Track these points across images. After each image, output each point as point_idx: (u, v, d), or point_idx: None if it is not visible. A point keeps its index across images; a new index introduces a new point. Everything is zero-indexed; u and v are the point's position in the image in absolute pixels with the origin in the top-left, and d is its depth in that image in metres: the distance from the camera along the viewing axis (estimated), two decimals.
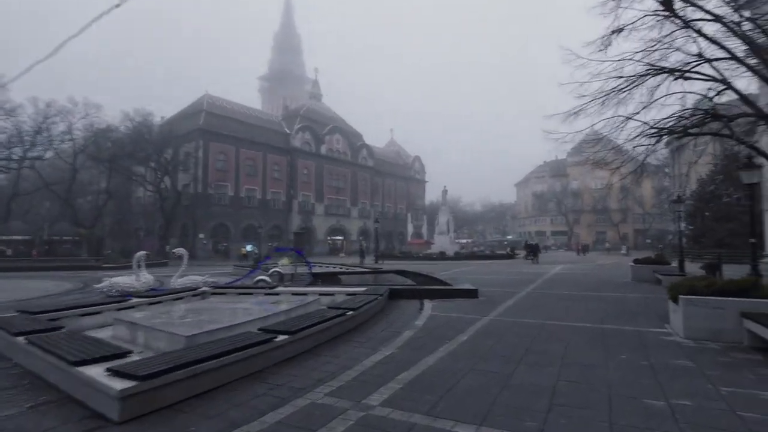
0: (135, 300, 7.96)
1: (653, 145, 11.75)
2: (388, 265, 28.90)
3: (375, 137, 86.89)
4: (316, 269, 15.11)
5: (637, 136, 11.82)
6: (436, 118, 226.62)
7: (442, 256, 34.04)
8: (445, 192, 40.97)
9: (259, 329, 5.15)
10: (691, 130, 11.01)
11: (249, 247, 44.54)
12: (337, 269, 16.43)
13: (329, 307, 6.72)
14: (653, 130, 11.54)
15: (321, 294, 9.40)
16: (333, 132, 59.46)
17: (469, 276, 16.67)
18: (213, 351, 4.19)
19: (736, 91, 10.68)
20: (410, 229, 59.54)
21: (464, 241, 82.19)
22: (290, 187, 53.05)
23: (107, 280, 10.99)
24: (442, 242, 37.56)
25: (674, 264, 14.49)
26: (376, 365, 4.65)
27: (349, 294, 8.84)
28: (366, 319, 7.23)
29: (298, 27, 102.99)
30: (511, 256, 34.49)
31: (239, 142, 47.73)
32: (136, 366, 3.64)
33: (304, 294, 9.41)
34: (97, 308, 7.20)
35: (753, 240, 9.20)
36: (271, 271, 13.95)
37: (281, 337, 4.83)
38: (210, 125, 45.31)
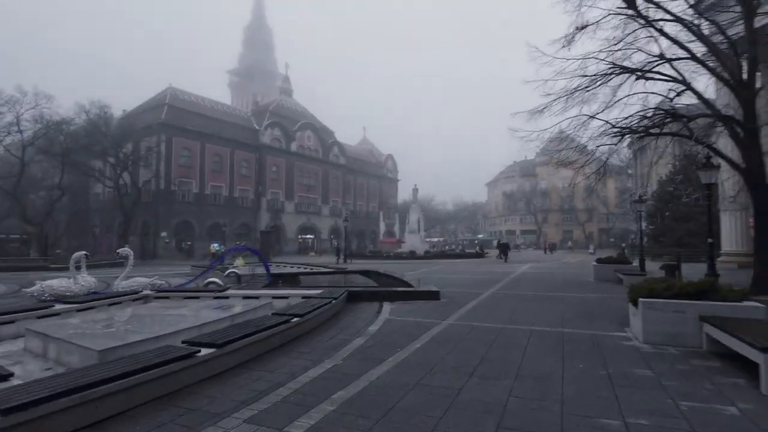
0: (60, 306, 7.16)
1: (615, 144, 11.75)
2: (356, 264, 28.42)
3: (347, 135, 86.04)
4: (278, 270, 14.46)
5: (600, 135, 11.80)
6: (410, 117, 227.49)
7: (412, 255, 33.85)
8: (415, 190, 40.81)
9: (183, 342, 4.57)
10: (651, 131, 11.04)
11: (216, 246, 43.12)
12: (300, 270, 15.82)
13: (273, 314, 6.18)
14: (615, 130, 11.53)
15: (275, 297, 8.84)
16: (304, 128, 58.36)
17: (435, 276, 16.40)
18: (120, 370, 3.61)
19: (695, 92, 10.77)
20: (382, 227, 59.26)
21: (436, 240, 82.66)
22: (259, 184, 51.68)
23: (39, 283, 10.01)
24: (413, 241, 37.37)
25: (635, 263, 14.65)
26: (314, 381, 4.16)
27: (304, 297, 8.31)
28: (316, 325, 6.73)
29: (269, 20, 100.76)
30: (480, 255, 34.66)
31: (205, 138, 46.05)
32: (10, 394, 3.02)
33: (256, 297, 8.83)
34: (11, 316, 6.39)
35: (710, 240, 9.24)
36: (227, 272, 13.22)
37: (206, 351, 4.27)
38: (173, 119, 43.47)
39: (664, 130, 11.06)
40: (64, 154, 34.17)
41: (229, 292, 9.27)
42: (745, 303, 5.19)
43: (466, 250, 42.06)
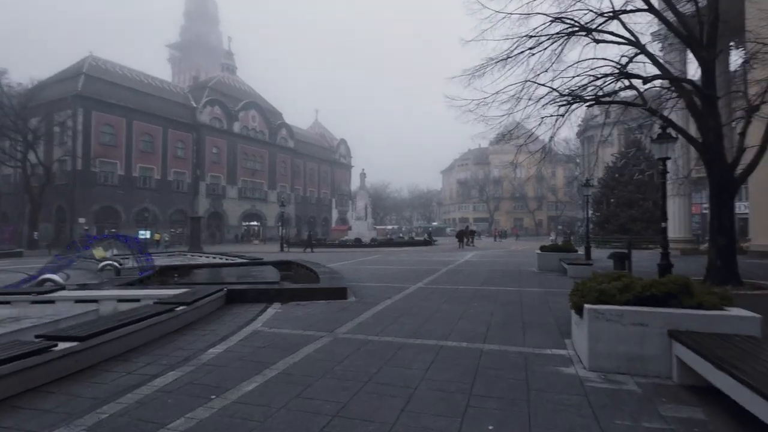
0: None
1: (563, 115, 10.23)
2: (294, 253, 26.15)
3: (299, 119, 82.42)
4: (171, 261, 11.98)
5: (548, 104, 10.26)
6: (366, 103, 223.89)
7: (357, 243, 31.98)
8: (363, 175, 38.75)
9: None
10: (603, 98, 9.59)
11: (162, 233, 39.57)
12: (201, 261, 13.40)
13: (36, 337, 3.94)
14: (563, 98, 10.01)
15: (121, 300, 6.56)
16: (248, 108, 54.42)
17: (366, 267, 14.53)
18: None
19: (649, 55, 9.39)
20: (335, 215, 56.97)
21: (390, 227, 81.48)
22: (197, 167, 47.58)
23: None
24: (360, 228, 35.48)
25: (581, 252, 13.46)
26: None
27: (159, 301, 6.08)
28: (141, 343, 4.58)
29: None
30: (428, 242, 33.31)
31: (132, 113, 41.39)
32: None
33: (94, 301, 6.51)
34: None
35: (665, 224, 7.88)
36: (102, 264, 10.63)
37: None
38: (92, 91, 38.55)
39: (616, 99, 9.62)
40: None
41: (61, 294, 6.84)
42: (729, 311, 3.59)
43: (415, 238, 40.74)
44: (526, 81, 10.33)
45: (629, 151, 27.98)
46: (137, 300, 6.57)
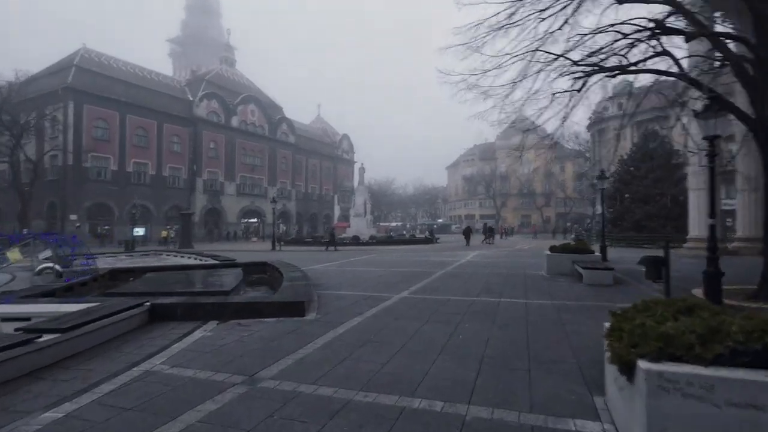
0: None
1: (579, 90, 8.51)
2: (288, 251, 24.66)
3: (301, 114, 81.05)
4: (130, 261, 10.47)
5: (559, 76, 8.55)
6: (370, 98, 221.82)
7: (355, 241, 30.39)
8: (362, 170, 37.12)
9: None
10: (629, 68, 7.85)
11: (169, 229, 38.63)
12: (169, 262, 11.89)
13: None
14: (579, 69, 8.30)
15: (5, 319, 5.04)
16: (246, 102, 52.99)
17: (354, 269, 12.94)
18: None
19: (687, 13, 7.64)
20: (337, 211, 55.70)
21: (394, 224, 79.82)
22: (193, 162, 46.27)
23: None
24: (358, 225, 33.91)
25: (597, 252, 11.72)
26: None
27: (25, 327, 4.53)
28: None
29: None
30: (429, 240, 31.63)
31: (126, 107, 40.14)
32: None
33: None
34: None
35: (713, 220, 6.16)
36: (39, 268, 9.14)
37: None
38: (84, 84, 37.31)
39: (644, 68, 7.87)
40: None
41: None
42: None
43: (417, 235, 39.07)
44: (536, 50, 8.63)
45: (636, 155, 26.10)
46: (27, 319, 5.04)
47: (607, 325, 2.81)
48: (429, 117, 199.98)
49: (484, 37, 8.92)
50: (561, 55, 8.40)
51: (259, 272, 11.17)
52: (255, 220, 54.12)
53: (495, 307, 6.63)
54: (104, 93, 38.44)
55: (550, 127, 10.37)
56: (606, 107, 47.15)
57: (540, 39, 8.78)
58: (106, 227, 39.15)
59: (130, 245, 28.49)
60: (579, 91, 8.55)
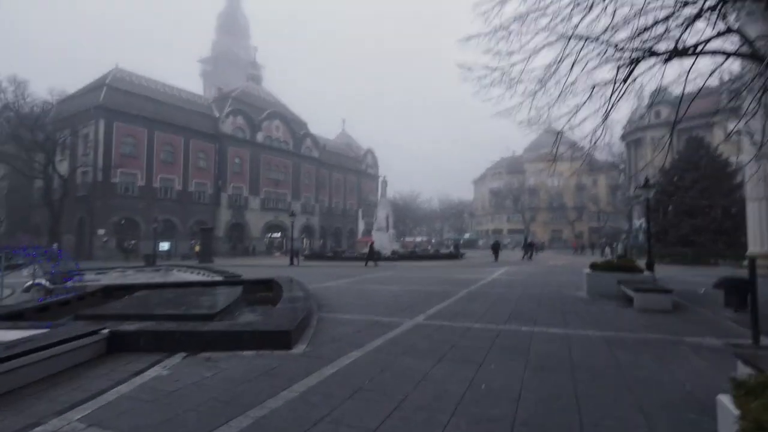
0: None
1: (625, 80, 7.25)
2: (306, 266, 23.87)
3: (326, 129, 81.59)
4: (123, 278, 9.75)
5: (598, 66, 7.34)
6: (395, 112, 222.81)
7: (369, 256, 29.25)
8: (384, 183, 36.23)
9: None
10: (685, 51, 6.56)
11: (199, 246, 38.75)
12: (171, 278, 11.15)
13: None
14: (625, 54, 7.07)
15: None
16: (271, 118, 53.46)
17: (367, 287, 11.84)
18: None
19: None
20: (361, 226, 54.84)
21: (419, 239, 78.28)
22: (218, 177, 46.69)
23: None
24: (381, 240, 32.75)
25: (647, 272, 10.18)
26: None
27: None
28: None
29: (245, 7, 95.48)
30: (455, 256, 30.14)
31: (153, 124, 40.98)
32: None
33: None
34: None
35: None
36: (29, 284, 8.50)
37: None
38: (114, 103, 38.34)
39: (706, 50, 6.56)
40: None
41: None
42: None
43: (441, 251, 37.61)
44: (571, 36, 7.46)
45: (696, 150, 24.00)
46: None
47: (732, 407, 1.61)
48: (455, 131, 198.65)
49: (510, 26, 7.83)
50: (599, 37, 7.21)
51: (263, 290, 10.26)
52: (278, 234, 53.97)
53: (527, 339, 5.37)
54: (133, 111, 39.37)
55: (587, 127, 9.11)
56: (642, 116, 44.76)
57: (575, 26, 7.64)
58: (133, 242, 39.58)
59: (151, 259, 28.46)
60: (625, 81, 7.30)
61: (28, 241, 39.74)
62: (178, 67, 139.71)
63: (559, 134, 8.88)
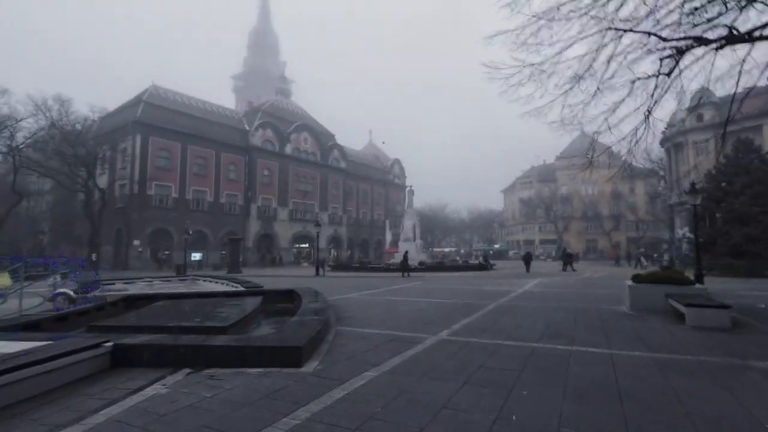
0: None
1: (668, 74, 6.60)
2: (331, 277, 23.65)
3: (354, 140, 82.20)
4: (149, 288, 9.73)
5: (639, 58, 6.72)
6: (423, 122, 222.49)
7: (403, 267, 28.73)
8: (410, 192, 35.80)
9: None
10: (740, 36, 5.87)
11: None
12: (195, 288, 11.06)
13: None
14: (669, 45, 6.44)
15: None
16: (300, 130, 54.23)
17: (392, 298, 11.38)
18: None
19: None
20: (389, 236, 54.46)
21: (447, 249, 77.17)
22: (248, 189, 47.59)
23: None
24: (408, 250, 32.24)
25: (699, 285, 9.25)
26: None
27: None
28: None
29: (275, 25, 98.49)
30: (484, 267, 29.20)
31: (187, 138, 42.29)
32: None
33: None
34: None
35: None
36: (54, 293, 8.55)
37: None
38: (151, 118, 39.86)
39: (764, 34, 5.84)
40: (12, 152, 30.60)
41: None
42: None
43: (469, 262, 36.64)
44: (608, 29, 6.88)
45: (746, 154, 22.32)
46: None
47: None
48: (484, 141, 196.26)
49: (539, 20, 7.34)
50: (640, 30, 6.59)
51: (284, 301, 10.00)
52: (306, 245, 54.30)
53: (565, 360, 4.77)
54: (168, 125, 40.78)
55: (626, 127, 8.41)
56: (683, 119, 42.56)
57: (611, 21, 7.05)
58: (166, 252, 40.67)
59: (182, 269, 29.04)
60: (669, 74, 6.64)
61: (70, 252, 41.61)
62: (212, 83, 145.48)
63: (594, 136, 8.24)
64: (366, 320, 7.61)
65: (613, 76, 6.81)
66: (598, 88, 6.91)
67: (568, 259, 29.00)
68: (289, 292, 10.61)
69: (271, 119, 51.51)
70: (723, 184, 22.54)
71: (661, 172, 50.55)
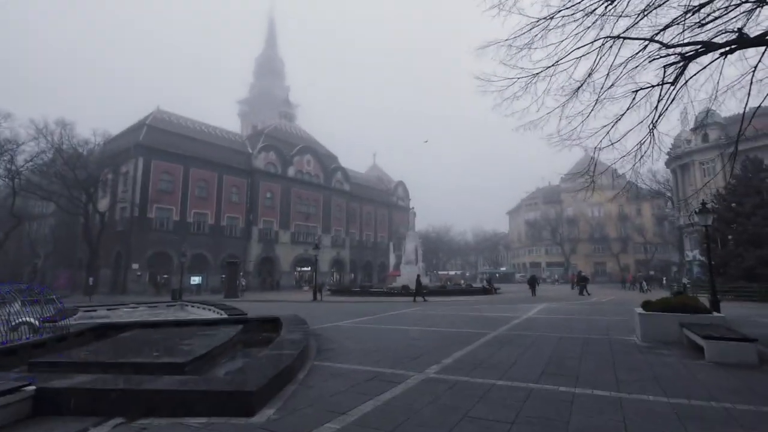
0: None
1: (673, 83, 6.07)
2: (329, 302, 22.87)
3: (358, 163, 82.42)
4: (128, 316, 9.12)
5: (639, 65, 6.22)
6: (427, 145, 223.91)
7: (405, 291, 27.91)
8: (413, 214, 35.28)
9: None
10: (750, 39, 5.35)
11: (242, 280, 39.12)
12: (168, 317, 10.39)
13: None
14: (674, 52, 5.93)
15: None
16: (303, 153, 54.34)
17: (387, 326, 10.65)
18: None
19: None
20: (392, 259, 53.72)
21: (452, 272, 75.88)
22: (250, 211, 47.29)
23: None
24: (410, 273, 31.45)
25: (716, 313, 8.47)
26: None
27: None
28: None
29: (281, 50, 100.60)
30: (488, 291, 28.27)
31: (189, 161, 42.31)
32: None
33: None
34: None
35: None
36: (16, 322, 7.95)
37: None
38: (153, 141, 40.02)
39: None
40: (11, 176, 30.56)
41: None
42: None
43: (473, 285, 35.68)
44: (607, 37, 6.40)
45: (738, 188, 21.66)
46: None
47: None
48: (490, 164, 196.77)
49: (532, 29, 6.90)
50: (642, 38, 6.10)
51: (269, 329, 9.30)
52: (308, 268, 53.52)
53: (566, 406, 4.06)
54: (171, 149, 40.87)
55: (630, 142, 7.86)
56: (687, 139, 42.08)
57: (609, 31, 6.58)
58: (165, 276, 40.10)
59: (178, 294, 28.41)
60: (674, 83, 6.11)
61: (67, 276, 41.15)
62: (220, 110, 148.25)
63: (596, 152, 7.67)
64: (349, 353, 6.91)
65: (613, 85, 6.30)
66: (598, 99, 6.40)
67: (584, 282, 28.31)
68: (274, 320, 9.94)
69: (274, 142, 51.70)
70: (733, 204, 21.76)
71: (668, 194, 49.70)
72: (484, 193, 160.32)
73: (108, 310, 13.10)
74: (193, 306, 14.87)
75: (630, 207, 65.82)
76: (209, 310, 13.38)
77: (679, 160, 43.91)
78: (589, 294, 26.70)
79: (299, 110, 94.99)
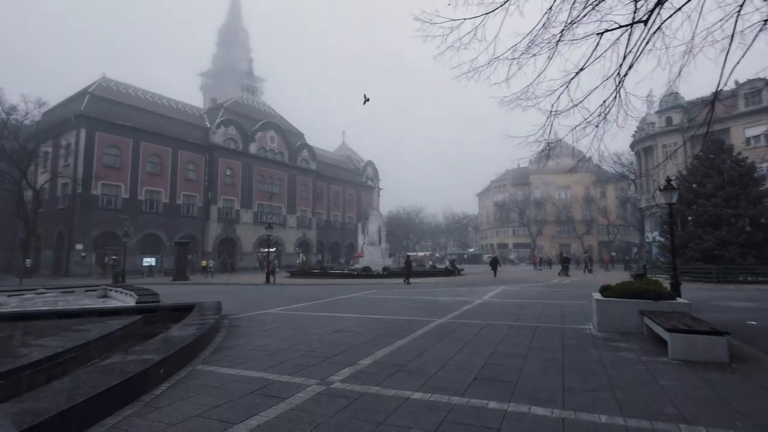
0: None
1: (644, 22, 4.94)
2: (282, 285, 21.52)
3: (329, 143, 80.00)
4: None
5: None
6: (398, 122, 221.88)
7: (366, 273, 26.89)
8: (377, 194, 33.97)
9: None
10: None
11: (206, 261, 36.96)
12: (60, 305, 8.83)
13: None
14: None
15: None
16: (266, 128, 51.70)
17: (322, 313, 9.44)
18: None
19: None
20: (361, 240, 52.28)
21: (422, 254, 75.58)
22: (208, 189, 44.79)
23: None
24: (372, 255, 30.49)
25: (681, 300, 7.65)
26: None
27: None
28: None
29: (246, 20, 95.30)
30: (451, 272, 27.60)
31: (139, 134, 39.25)
32: None
33: None
34: None
35: None
36: None
37: None
38: (97, 111, 36.73)
39: None
40: None
41: None
42: None
43: (437, 266, 35.09)
44: None
45: (700, 169, 21.47)
46: None
47: None
48: (460, 145, 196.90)
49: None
50: None
51: (180, 320, 7.94)
52: (273, 249, 51.70)
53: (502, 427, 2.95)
54: (118, 120, 37.72)
55: (594, 102, 6.80)
56: (652, 123, 42.33)
57: None
58: (114, 257, 37.51)
59: (120, 277, 26.36)
60: (645, 23, 4.99)
61: (2, 258, 37.84)
62: (181, 82, 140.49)
63: (552, 113, 6.54)
64: (252, 352, 5.65)
65: (575, 22, 5.11)
66: (560, 38, 5.20)
67: (566, 262, 28.64)
68: (188, 307, 8.58)
69: (234, 116, 48.90)
70: (694, 185, 21.58)
71: (632, 176, 50.39)
72: (456, 176, 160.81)
73: (8, 296, 11.31)
74: (117, 291, 13.23)
75: (595, 190, 66.94)
76: (131, 296, 11.83)
77: (642, 143, 44.29)
78: (567, 275, 26.56)
79: (266, 85, 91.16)
